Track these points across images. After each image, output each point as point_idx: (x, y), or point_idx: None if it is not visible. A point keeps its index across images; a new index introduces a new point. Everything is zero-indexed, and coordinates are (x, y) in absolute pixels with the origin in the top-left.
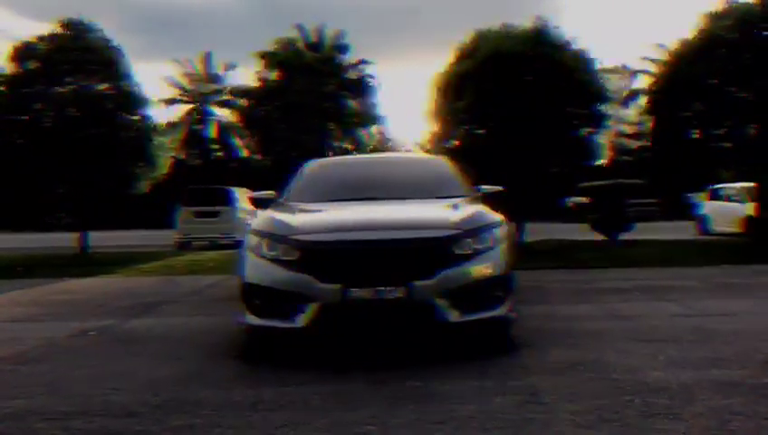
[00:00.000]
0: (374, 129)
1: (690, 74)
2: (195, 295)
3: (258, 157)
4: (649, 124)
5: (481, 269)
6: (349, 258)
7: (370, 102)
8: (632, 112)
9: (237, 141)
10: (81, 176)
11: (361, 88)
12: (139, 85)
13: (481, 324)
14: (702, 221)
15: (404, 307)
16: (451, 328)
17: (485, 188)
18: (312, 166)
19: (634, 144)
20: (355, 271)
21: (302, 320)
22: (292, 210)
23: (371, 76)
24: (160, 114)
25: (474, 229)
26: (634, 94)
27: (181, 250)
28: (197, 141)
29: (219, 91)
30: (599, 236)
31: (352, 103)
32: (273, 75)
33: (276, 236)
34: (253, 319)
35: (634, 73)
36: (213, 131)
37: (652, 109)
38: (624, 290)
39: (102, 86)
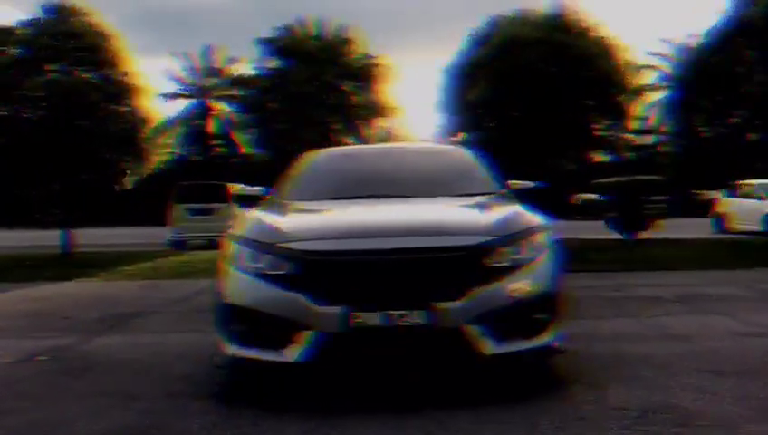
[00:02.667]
0: (381, 122)
1: (717, 63)
2: (178, 304)
3: (258, 152)
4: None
5: (521, 286)
6: (353, 273)
7: (379, 94)
8: (641, 107)
9: (239, 136)
10: (64, 171)
11: (368, 78)
12: (128, 74)
13: (522, 358)
14: (720, 219)
15: (424, 337)
16: (485, 363)
17: (515, 183)
18: (312, 157)
19: (644, 139)
20: (361, 290)
21: (293, 352)
22: (283, 210)
23: (376, 64)
24: (160, 109)
25: (511, 235)
26: (643, 89)
27: (174, 249)
28: (198, 137)
29: (220, 86)
30: (611, 234)
31: (357, 94)
32: (273, 63)
33: (261, 244)
34: (232, 349)
35: (641, 68)
36: (214, 127)
37: (673, 102)
38: (662, 299)
39: (87, 75)
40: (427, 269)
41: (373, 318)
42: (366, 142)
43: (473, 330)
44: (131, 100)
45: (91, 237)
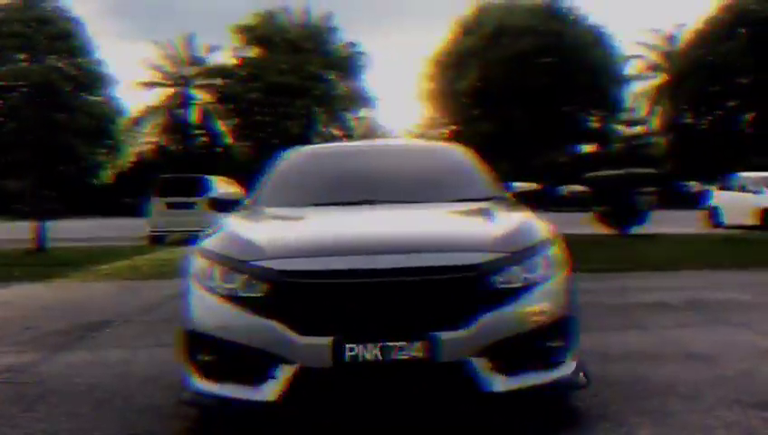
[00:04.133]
0: (364, 112)
1: (708, 54)
2: (152, 311)
3: (238, 144)
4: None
5: (535, 310)
6: (343, 298)
7: (360, 83)
8: (630, 97)
9: (220, 126)
10: (37, 163)
11: (350, 68)
12: (101, 62)
13: (536, 393)
14: (713, 213)
15: (424, 372)
16: (494, 401)
17: (518, 185)
18: (293, 155)
19: (633, 130)
20: (351, 318)
21: (271, 390)
22: (261, 219)
23: (361, 53)
24: (138, 99)
25: (523, 250)
26: (632, 78)
27: (154, 244)
28: (179, 126)
29: (201, 75)
30: (603, 229)
31: (340, 84)
32: (253, 52)
33: (234, 261)
34: (201, 384)
35: (629, 58)
36: (195, 116)
37: (666, 93)
38: (672, 307)
39: (59, 63)
40: (428, 293)
41: (366, 351)
42: (350, 132)
43: (481, 363)
44: (105, 90)
45: (69, 230)
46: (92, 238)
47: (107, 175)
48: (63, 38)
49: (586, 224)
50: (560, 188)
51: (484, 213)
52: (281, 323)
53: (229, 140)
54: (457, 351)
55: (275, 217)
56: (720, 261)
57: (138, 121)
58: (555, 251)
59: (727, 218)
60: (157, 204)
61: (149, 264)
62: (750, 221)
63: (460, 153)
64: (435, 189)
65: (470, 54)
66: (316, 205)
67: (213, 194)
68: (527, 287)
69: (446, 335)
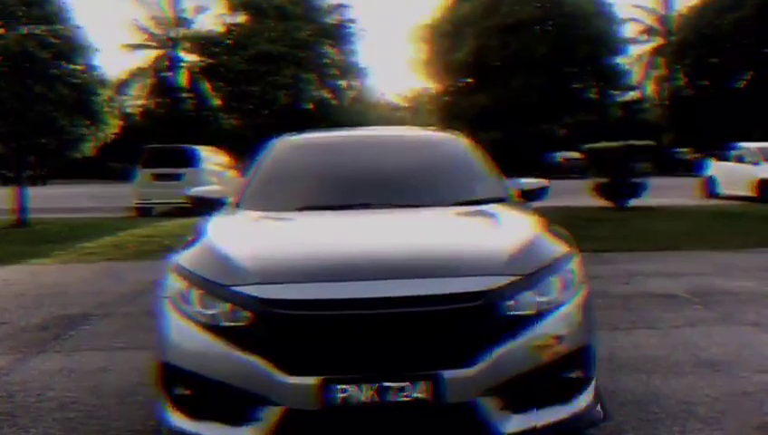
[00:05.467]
0: (355, 81)
1: (717, 26)
2: (135, 300)
3: (225, 116)
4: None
5: (550, 341)
6: (334, 332)
7: (352, 52)
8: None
9: (208, 89)
10: (16, 135)
11: (342, 35)
12: (81, 29)
13: (552, 430)
14: (709, 183)
15: (428, 416)
16: None
17: (525, 182)
18: (282, 147)
19: (630, 96)
20: (344, 355)
21: (253, 433)
22: (244, 229)
23: (352, 21)
24: (124, 62)
25: (536, 272)
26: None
27: (140, 217)
28: (166, 90)
29: (187, 40)
30: (601, 202)
31: (331, 52)
32: (240, 19)
33: (213, 285)
34: (174, 419)
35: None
36: (182, 79)
37: (664, 60)
38: (678, 299)
39: (35, 30)
40: (432, 325)
41: (362, 392)
42: (341, 101)
43: (491, 403)
44: (86, 58)
45: (53, 199)
46: (77, 209)
47: (89, 148)
48: (39, 4)
49: (582, 193)
50: (554, 154)
51: (491, 223)
52: (265, 359)
53: (217, 102)
54: (465, 391)
55: (261, 227)
56: (722, 239)
57: (124, 85)
58: (572, 267)
59: (723, 189)
60: (143, 175)
61: (134, 241)
62: (746, 192)
63: (462, 145)
64: (436, 190)
65: (466, 23)
66: (307, 208)
67: (195, 192)
68: (542, 314)
69: (451, 374)
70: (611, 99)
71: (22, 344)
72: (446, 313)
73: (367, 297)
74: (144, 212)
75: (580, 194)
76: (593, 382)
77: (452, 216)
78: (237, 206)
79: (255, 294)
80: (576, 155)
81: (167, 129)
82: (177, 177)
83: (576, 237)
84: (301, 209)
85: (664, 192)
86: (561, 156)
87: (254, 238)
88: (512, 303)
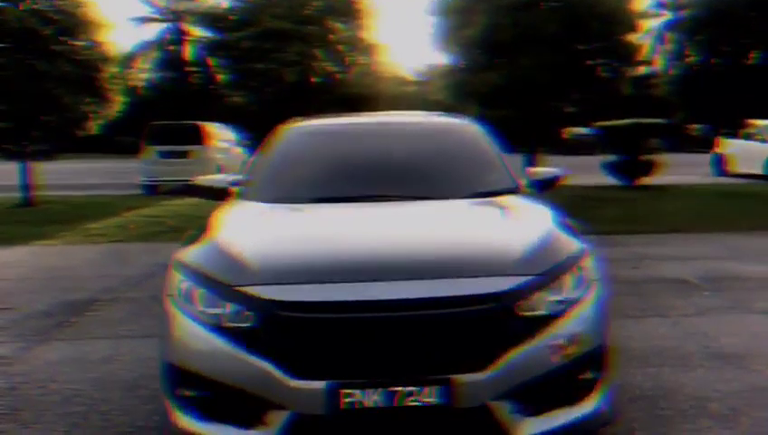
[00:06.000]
0: (365, 58)
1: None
2: (140, 284)
3: (231, 93)
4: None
5: (566, 342)
6: (343, 336)
7: (360, 26)
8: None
9: (214, 63)
10: (19, 113)
11: (350, 10)
12: (85, 4)
13: (566, 432)
14: (719, 161)
15: (440, 422)
16: None
17: (537, 171)
18: (290, 135)
19: (640, 70)
20: (354, 359)
21: None
22: (250, 223)
23: None
24: (130, 36)
25: (551, 270)
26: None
27: (147, 195)
28: (172, 63)
29: (194, 11)
30: (612, 180)
31: (340, 27)
32: None
33: (219, 285)
34: (182, 420)
35: None
36: (189, 53)
37: (677, 36)
38: (691, 285)
39: (37, 5)
40: (446, 328)
41: (371, 397)
42: (348, 77)
43: (505, 407)
44: (89, 34)
45: (60, 175)
46: (84, 186)
47: (94, 126)
48: None
49: (591, 171)
50: (565, 130)
51: (505, 218)
52: (271, 362)
53: (223, 77)
54: (478, 396)
55: (269, 221)
56: (734, 220)
57: (130, 58)
58: (587, 264)
59: (733, 167)
60: (148, 152)
61: (140, 221)
62: (756, 171)
63: (476, 133)
64: (449, 182)
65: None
66: (316, 200)
67: (201, 181)
68: (556, 314)
69: (465, 378)
70: (623, 76)
71: (26, 332)
72: (461, 315)
73: (382, 299)
74: (149, 190)
75: (590, 172)
76: (607, 381)
77: (466, 211)
78: (244, 196)
79: (265, 296)
80: (583, 131)
81: (173, 103)
82: (182, 154)
83: (586, 218)
84: (310, 202)
85: (674, 169)
86: (568, 132)
87: (262, 234)
88: (526, 303)
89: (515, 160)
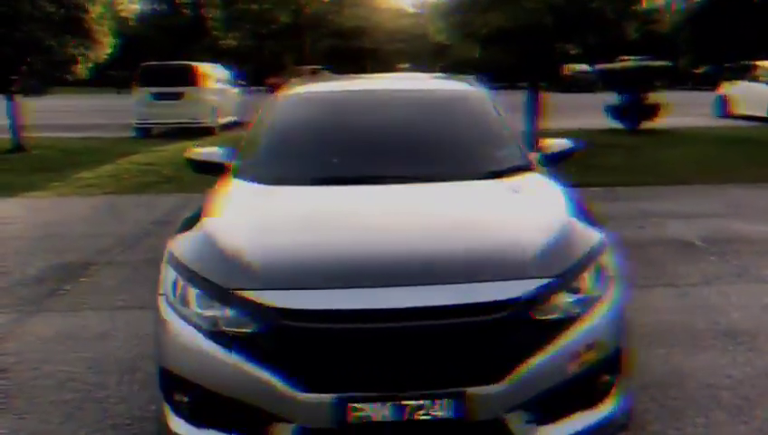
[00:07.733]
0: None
1: None
2: (136, 245)
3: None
4: None
5: (583, 347)
6: (351, 347)
7: None
8: None
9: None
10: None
11: None
12: None
13: None
14: (722, 102)
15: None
16: None
17: (550, 144)
18: (286, 104)
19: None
20: (362, 371)
21: None
22: (247, 213)
23: None
24: None
25: (569, 270)
26: None
27: (140, 138)
28: None
29: None
30: (614, 123)
31: None
32: None
33: (213, 287)
34: (178, 426)
35: None
36: None
37: None
38: (695, 249)
39: None
40: (459, 338)
41: (380, 411)
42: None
43: (518, 418)
44: None
45: (52, 112)
46: (76, 127)
47: (81, 69)
48: None
49: (590, 112)
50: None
51: (519, 207)
52: (274, 373)
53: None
54: (493, 408)
55: (269, 210)
56: (738, 170)
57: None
58: (605, 260)
59: (736, 108)
60: (140, 94)
61: (134, 169)
62: (760, 113)
63: (484, 102)
64: (459, 159)
65: None
66: (319, 182)
67: (194, 155)
68: (575, 317)
69: (479, 391)
70: (628, 17)
71: (17, 302)
72: (475, 324)
73: (394, 308)
74: (142, 133)
75: (591, 113)
76: (623, 382)
77: (477, 199)
78: (242, 174)
79: (269, 303)
80: (584, 68)
81: (164, 38)
82: (176, 96)
83: (587, 167)
84: (312, 183)
85: (678, 109)
86: (568, 68)
87: (263, 228)
88: (543, 307)
89: (516, 122)
